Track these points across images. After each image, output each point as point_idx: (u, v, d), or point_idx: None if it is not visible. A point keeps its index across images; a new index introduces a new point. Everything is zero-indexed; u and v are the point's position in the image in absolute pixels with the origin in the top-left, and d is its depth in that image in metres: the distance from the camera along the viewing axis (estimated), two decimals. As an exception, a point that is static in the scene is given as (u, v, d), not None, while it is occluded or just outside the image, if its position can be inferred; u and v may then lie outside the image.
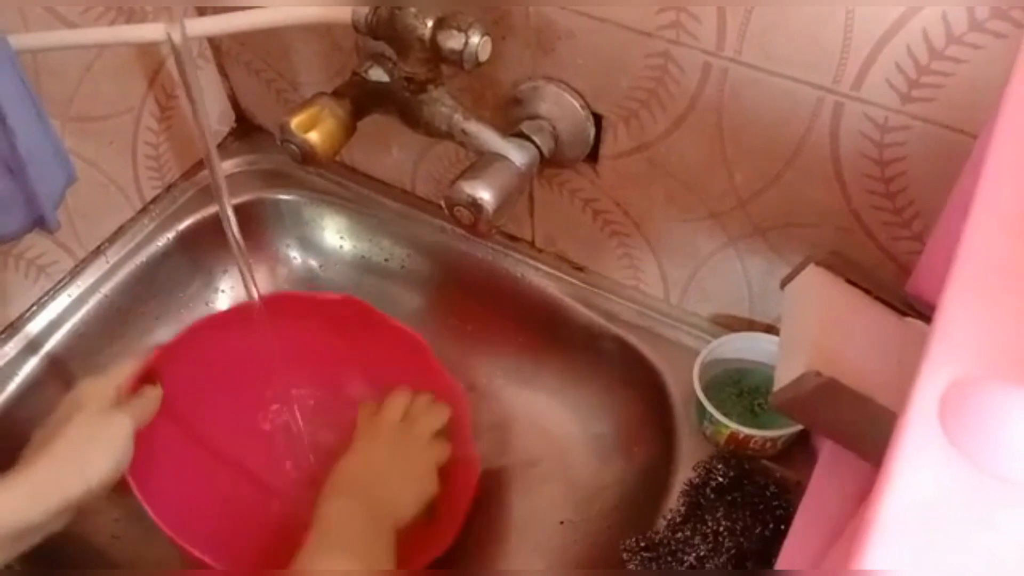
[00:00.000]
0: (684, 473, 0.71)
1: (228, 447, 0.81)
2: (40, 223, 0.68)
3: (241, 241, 0.58)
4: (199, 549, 0.65)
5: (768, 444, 0.70)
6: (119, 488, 0.64)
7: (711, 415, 0.69)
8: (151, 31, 0.62)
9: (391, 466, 0.73)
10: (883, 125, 0.56)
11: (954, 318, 0.27)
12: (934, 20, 0.50)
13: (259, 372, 0.78)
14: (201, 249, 0.93)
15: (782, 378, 0.48)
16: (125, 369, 0.68)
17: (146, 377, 0.70)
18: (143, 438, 0.65)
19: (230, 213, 0.56)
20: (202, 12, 0.77)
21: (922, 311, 0.53)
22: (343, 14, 0.65)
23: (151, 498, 0.65)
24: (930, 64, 0.52)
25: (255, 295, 0.67)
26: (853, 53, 0.54)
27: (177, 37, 0.46)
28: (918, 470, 0.24)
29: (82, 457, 0.60)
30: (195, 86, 0.50)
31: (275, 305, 0.72)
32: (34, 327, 0.81)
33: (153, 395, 0.68)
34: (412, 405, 0.79)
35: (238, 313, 0.75)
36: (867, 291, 0.53)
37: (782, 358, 0.51)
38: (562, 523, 0.78)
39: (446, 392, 0.79)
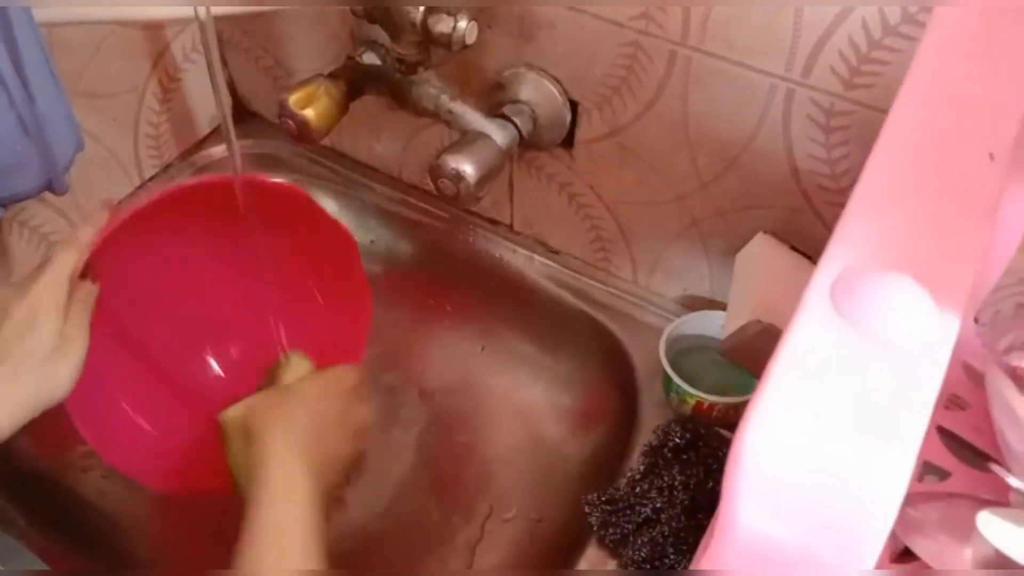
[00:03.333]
0: (645, 437, 0.76)
1: (159, 352, 0.79)
2: (50, 186, 0.73)
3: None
4: (123, 463, 0.68)
5: (731, 411, 0.74)
6: None
7: (677, 386, 0.74)
8: (178, 9, 0.67)
9: (335, 428, 0.67)
10: (829, 110, 0.62)
11: (850, 223, 0.32)
12: (872, 13, 0.56)
13: (195, 274, 0.78)
14: (195, 227, 0.97)
15: (730, 327, 0.54)
16: (67, 264, 0.61)
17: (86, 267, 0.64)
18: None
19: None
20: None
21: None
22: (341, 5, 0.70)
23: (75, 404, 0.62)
24: (869, 53, 0.58)
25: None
26: (803, 42, 0.60)
27: (203, 14, 0.52)
28: (810, 333, 0.29)
29: (51, 378, 0.58)
30: (215, 61, 0.56)
31: (205, 187, 0.70)
32: (36, 290, 0.85)
33: (90, 292, 0.63)
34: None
35: (171, 203, 0.68)
36: (809, 257, 0.59)
37: (731, 313, 0.57)
38: (531, 484, 0.83)
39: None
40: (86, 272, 0.64)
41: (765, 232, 0.59)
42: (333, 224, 0.75)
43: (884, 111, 0.60)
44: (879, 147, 0.35)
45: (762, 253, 0.58)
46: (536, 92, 0.75)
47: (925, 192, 0.34)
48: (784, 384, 0.27)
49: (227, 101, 0.58)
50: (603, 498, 0.71)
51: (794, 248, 0.58)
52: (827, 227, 0.70)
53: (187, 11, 0.64)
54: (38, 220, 0.85)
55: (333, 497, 0.64)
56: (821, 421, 0.27)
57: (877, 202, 0.33)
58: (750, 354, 0.53)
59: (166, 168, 0.97)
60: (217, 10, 0.69)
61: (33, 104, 0.66)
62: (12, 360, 0.57)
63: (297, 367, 0.74)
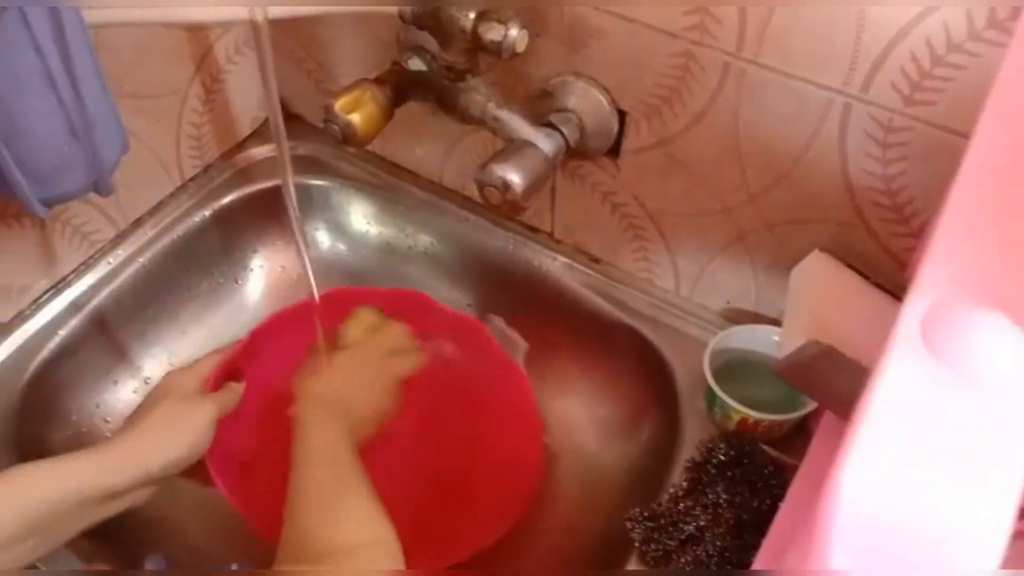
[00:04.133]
0: (688, 452, 0.75)
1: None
2: (96, 187, 0.73)
3: (296, 208, 0.62)
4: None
5: (775, 428, 0.73)
6: (194, 474, 0.68)
7: (722, 401, 0.73)
8: (233, 11, 0.66)
9: (362, 380, 0.73)
10: (887, 126, 0.61)
11: (939, 254, 0.31)
12: (937, 28, 0.55)
13: None
14: (235, 228, 0.98)
15: (786, 347, 0.53)
16: (209, 362, 0.72)
17: (227, 369, 0.73)
18: (223, 427, 0.69)
19: (291, 183, 0.60)
20: None
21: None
22: (391, 6, 0.70)
23: (229, 486, 0.69)
24: (932, 69, 0.57)
25: (315, 294, 0.70)
26: (863, 57, 0.59)
27: (259, 16, 0.51)
28: (902, 371, 0.28)
29: (164, 436, 0.64)
30: (269, 64, 0.55)
31: (337, 299, 0.76)
32: (77, 289, 0.86)
33: (235, 389, 0.72)
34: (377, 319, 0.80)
35: (307, 308, 0.76)
36: (866, 276, 0.57)
37: (787, 331, 0.56)
38: (570, 495, 0.82)
39: (505, 372, 0.82)
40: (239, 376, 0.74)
41: (821, 250, 0.58)
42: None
43: (945, 128, 0.60)
44: (963, 175, 0.34)
45: (819, 271, 0.57)
46: (583, 101, 0.74)
47: (1011, 222, 0.33)
48: (879, 424, 0.27)
49: (276, 104, 0.58)
50: (645, 514, 0.71)
51: (851, 266, 0.57)
52: (879, 243, 0.68)
53: (237, 13, 0.64)
54: (81, 219, 0.86)
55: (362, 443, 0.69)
56: (919, 463, 0.26)
57: (963, 233, 0.32)
58: (808, 376, 0.52)
59: (207, 169, 0.98)
60: (274, 11, 0.69)
61: (83, 106, 0.66)
62: (142, 422, 0.65)
63: (362, 318, 0.79)
